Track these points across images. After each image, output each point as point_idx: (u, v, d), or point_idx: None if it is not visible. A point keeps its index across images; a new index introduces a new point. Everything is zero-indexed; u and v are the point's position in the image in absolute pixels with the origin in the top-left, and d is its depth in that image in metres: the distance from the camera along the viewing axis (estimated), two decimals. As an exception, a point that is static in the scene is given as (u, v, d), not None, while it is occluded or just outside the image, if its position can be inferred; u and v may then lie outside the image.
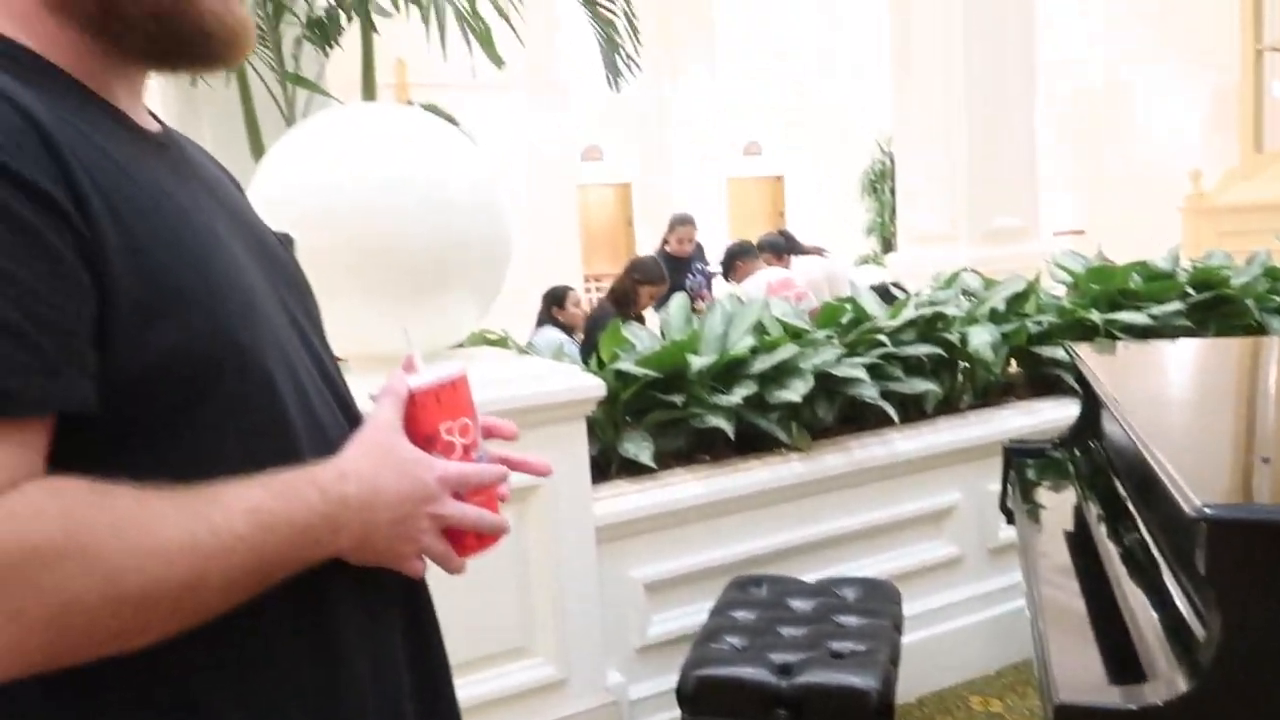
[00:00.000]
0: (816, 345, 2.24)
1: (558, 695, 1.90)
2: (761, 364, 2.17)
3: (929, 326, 2.42)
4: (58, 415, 0.59)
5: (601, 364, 2.18)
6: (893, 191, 11.74)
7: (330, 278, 1.30)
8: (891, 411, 2.25)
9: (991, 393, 2.60)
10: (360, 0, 2.48)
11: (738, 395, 2.10)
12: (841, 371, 2.18)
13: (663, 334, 2.37)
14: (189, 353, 0.63)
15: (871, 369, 2.26)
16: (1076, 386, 2.05)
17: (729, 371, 2.19)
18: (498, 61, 2.49)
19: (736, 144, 12.10)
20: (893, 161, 11.83)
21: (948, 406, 2.50)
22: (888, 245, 11.72)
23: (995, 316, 2.61)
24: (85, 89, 0.68)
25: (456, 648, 0.84)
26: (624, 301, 4.30)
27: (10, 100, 0.59)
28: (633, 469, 2.12)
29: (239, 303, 0.68)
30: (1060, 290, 3.04)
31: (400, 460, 0.71)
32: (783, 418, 2.20)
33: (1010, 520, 1.86)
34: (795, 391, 2.08)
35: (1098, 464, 1.72)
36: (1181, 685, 0.95)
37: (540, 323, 4.71)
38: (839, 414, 2.32)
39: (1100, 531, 1.43)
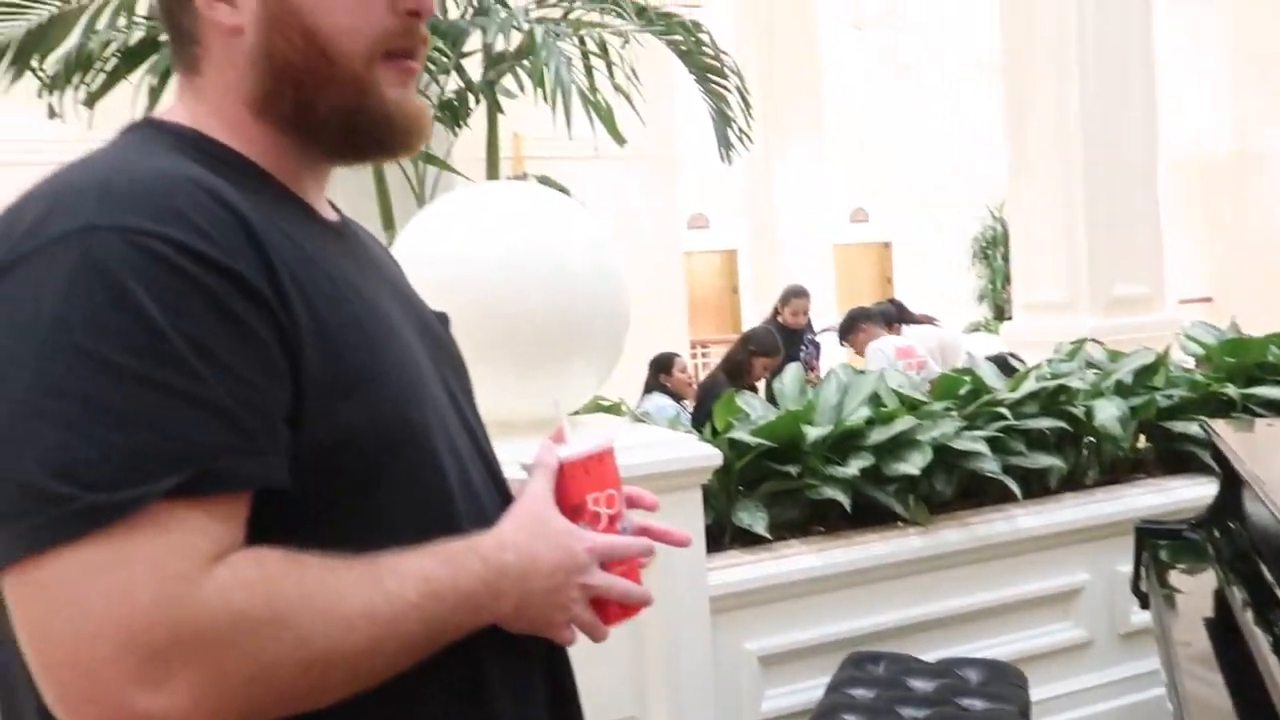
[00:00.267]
0: (934, 417, 2.21)
1: (670, 767, 1.88)
2: (878, 435, 2.15)
3: (1052, 399, 2.36)
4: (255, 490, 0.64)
5: (715, 433, 2.19)
6: (1005, 258, 11.52)
7: (460, 346, 1.36)
8: (1014, 487, 2.19)
9: (1119, 469, 2.50)
10: (488, 84, 2.62)
11: (854, 467, 2.08)
12: (961, 444, 2.14)
13: (775, 403, 2.37)
14: (368, 431, 0.68)
15: (992, 442, 2.21)
16: (1213, 464, 1.96)
17: (844, 442, 2.17)
18: (620, 140, 2.58)
19: (843, 210, 12.10)
20: (1005, 227, 11.63)
21: (1073, 483, 2.41)
22: (1000, 313, 11.44)
23: (1122, 389, 2.52)
24: (281, 185, 0.75)
25: (570, 716, 0.86)
26: (737, 373, 4.31)
27: (224, 202, 0.65)
28: (746, 539, 2.11)
29: (410, 382, 0.73)
30: (1190, 362, 2.92)
31: (554, 531, 0.74)
32: (900, 490, 2.17)
33: (1144, 604, 1.78)
34: (913, 464, 2.05)
35: (1240, 547, 1.63)
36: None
37: (648, 389, 4.75)
38: (958, 488, 2.27)
39: (1246, 619, 1.36)
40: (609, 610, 0.76)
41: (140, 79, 2.43)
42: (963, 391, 2.37)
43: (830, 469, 2.12)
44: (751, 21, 8.71)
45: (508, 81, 2.84)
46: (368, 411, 0.68)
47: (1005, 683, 1.87)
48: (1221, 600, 1.53)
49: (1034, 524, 2.28)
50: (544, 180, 3.57)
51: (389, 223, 2.61)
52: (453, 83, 2.85)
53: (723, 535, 2.12)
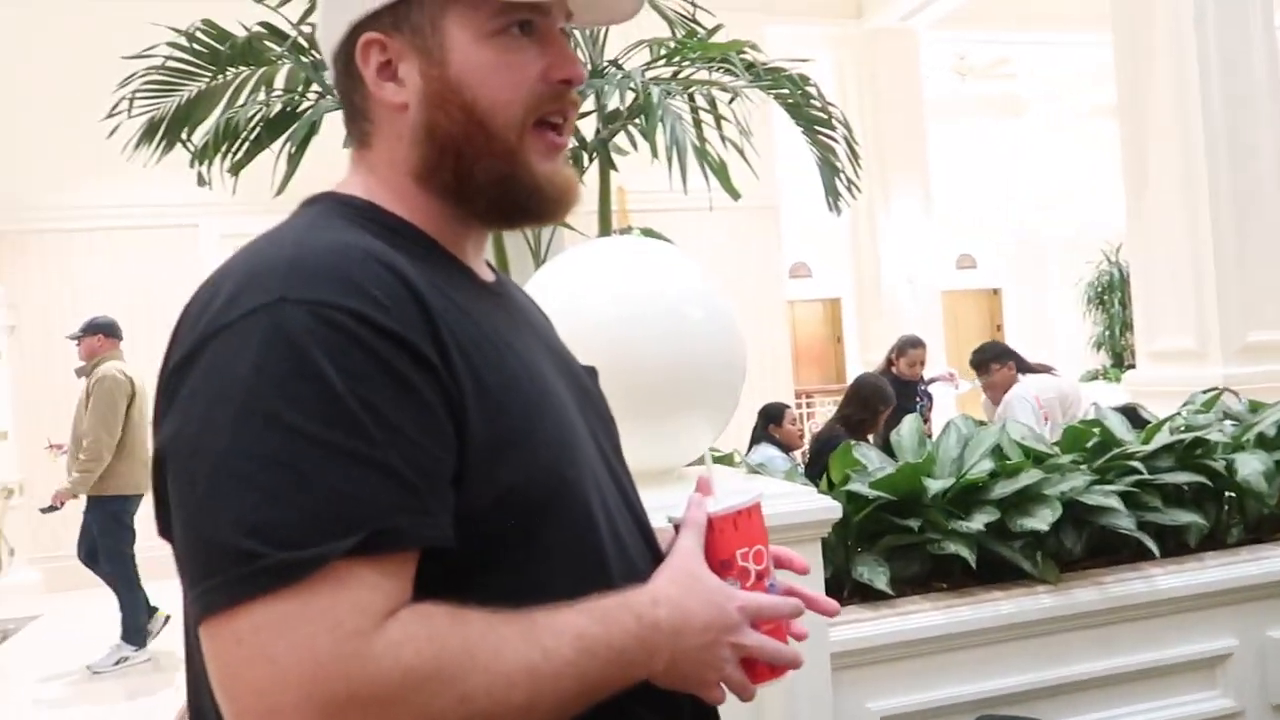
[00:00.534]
0: (1062, 471, 2.13)
1: (791, 830, 1.83)
2: (1002, 489, 2.08)
3: (1188, 453, 2.25)
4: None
5: (832, 485, 2.17)
6: (1123, 303, 11.10)
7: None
8: (1152, 544, 2.09)
9: (1265, 527, 2.36)
10: (601, 142, 2.69)
11: (978, 522, 2.02)
12: (1092, 499, 2.05)
13: (892, 455, 2.33)
14: (525, 489, 0.70)
15: (1125, 497, 2.12)
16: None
17: (966, 496, 2.11)
18: (735, 194, 2.61)
19: (950, 257, 11.89)
20: (1122, 271, 11.22)
21: (1214, 541, 2.29)
22: (1120, 360, 11.00)
23: (1265, 442, 2.39)
24: (445, 251, 0.79)
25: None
26: (858, 427, 4.23)
27: (398, 274, 0.69)
28: (866, 594, 2.06)
29: (564, 439, 0.75)
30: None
31: (706, 589, 0.74)
32: (1026, 546, 2.09)
33: (1304, 673, 1.67)
34: (1043, 520, 1.98)
35: None
36: None
37: (756, 439, 4.72)
38: (1087, 545, 2.17)
39: None
40: (757, 670, 0.75)
41: (280, 147, 2.59)
42: (1091, 444, 2.28)
43: (953, 523, 2.06)
44: (853, 69, 8.71)
45: (619, 138, 2.92)
46: (525, 470, 0.70)
47: (1149, 753, 1.77)
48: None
49: (1173, 584, 2.16)
50: (647, 232, 3.62)
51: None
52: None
53: (841, 590, 2.08)
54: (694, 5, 3.17)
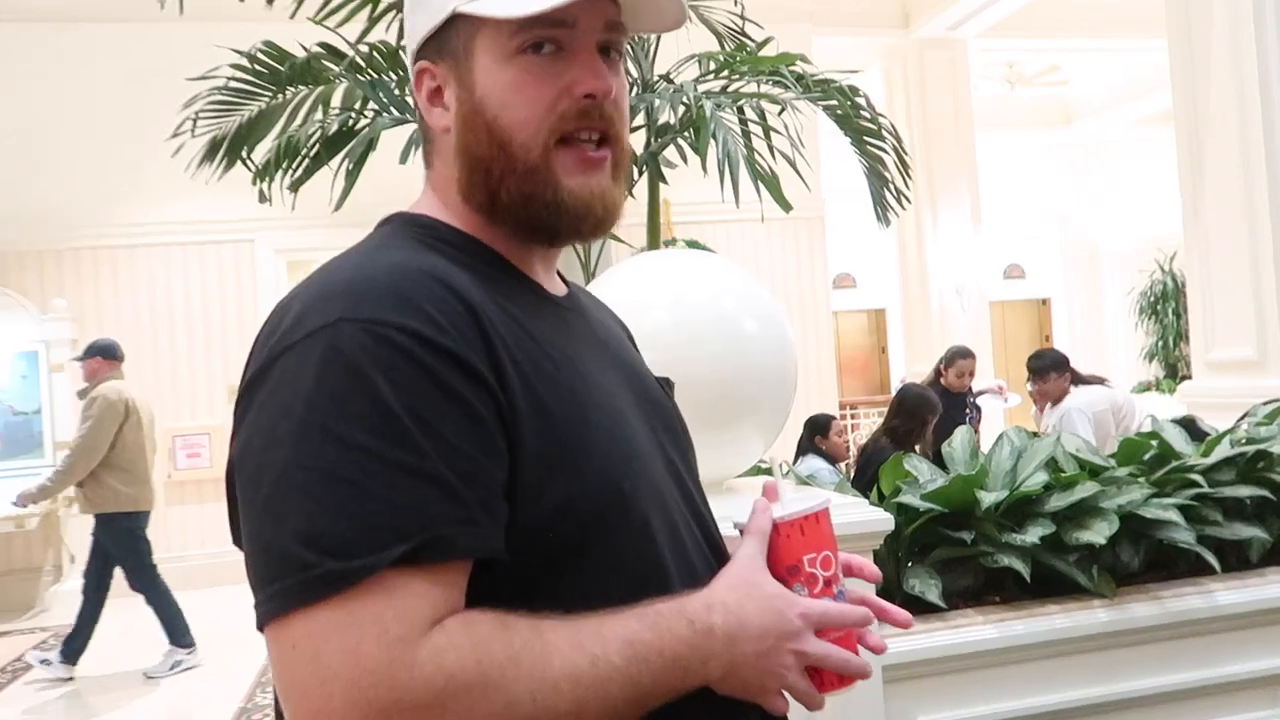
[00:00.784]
0: (1119, 484, 2.10)
1: (843, 843, 1.83)
2: (1057, 502, 2.06)
3: (1250, 466, 2.21)
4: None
5: (882, 497, 2.16)
6: (1176, 313, 10.87)
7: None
8: (1212, 559, 2.06)
9: (1329, 542, 2.30)
10: (651, 155, 2.72)
11: (1033, 534, 2.00)
12: (1150, 513, 2.03)
13: (942, 466, 2.32)
14: (579, 502, 0.72)
15: (1184, 511, 2.08)
16: None
17: (1020, 509, 2.10)
18: (786, 207, 2.62)
19: (998, 267, 11.75)
20: (1175, 281, 11.00)
21: (1276, 556, 2.24)
22: (1174, 371, 10.77)
23: (1329, 456, 2.34)
24: (509, 264, 0.82)
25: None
26: (905, 438, 4.20)
27: (454, 291, 0.72)
28: (918, 607, 2.05)
29: (623, 453, 0.76)
30: None
31: (765, 595, 0.75)
32: (1081, 560, 2.07)
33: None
34: (1099, 533, 1.96)
35: None
36: None
37: (802, 451, 4.71)
38: (1144, 559, 2.14)
39: None
40: (825, 679, 0.75)
41: (339, 164, 2.66)
42: (1148, 456, 2.25)
43: (1006, 536, 2.04)
44: (901, 79, 8.67)
45: (667, 150, 2.94)
46: (579, 484, 0.71)
47: (1210, 772, 1.74)
48: None
49: (1234, 600, 2.12)
50: (693, 243, 3.64)
51: (557, 289, 2.72)
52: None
53: (892, 602, 2.07)
54: (742, 19, 3.20)
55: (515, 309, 0.76)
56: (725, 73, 2.83)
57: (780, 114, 2.81)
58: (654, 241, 2.94)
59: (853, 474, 4.45)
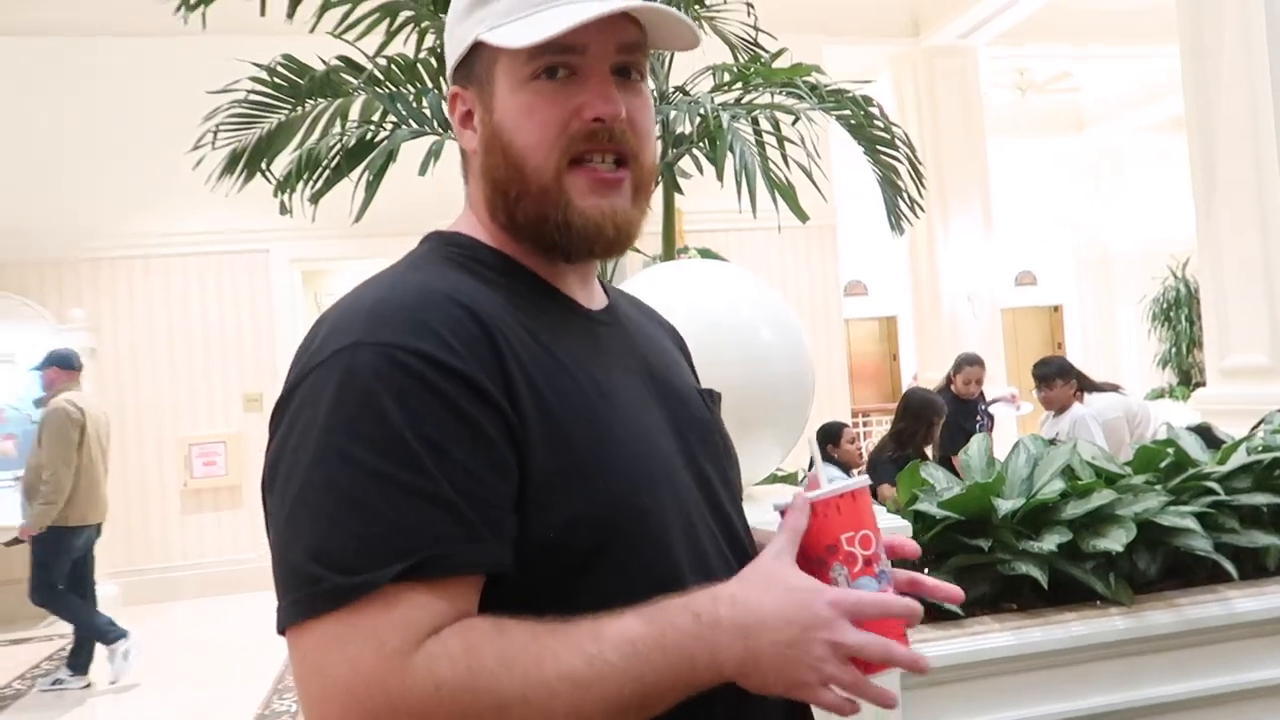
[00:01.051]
0: (1135, 491, 2.11)
1: None
2: (1074, 509, 2.07)
3: (1267, 473, 2.21)
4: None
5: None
6: (1190, 319, 10.83)
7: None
8: (1230, 567, 2.06)
9: (1347, 550, 2.30)
10: (667, 165, 2.74)
11: (1050, 542, 2.01)
12: (1167, 520, 2.03)
13: (952, 470, 2.33)
14: (591, 516, 0.73)
15: (1201, 518, 2.09)
16: None
17: (1037, 516, 2.11)
18: (803, 217, 2.64)
19: (1009, 274, 11.73)
20: (1189, 287, 10.95)
21: (1293, 564, 2.24)
22: (1187, 378, 10.72)
23: (1347, 463, 2.33)
24: (538, 279, 0.84)
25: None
26: (911, 440, 4.21)
27: (472, 313, 0.74)
28: (935, 614, 2.06)
29: (642, 468, 0.77)
30: None
31: (785, 586, 0.73)
32: (1099, 568, 2.08)
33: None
34: (1116, 541, 1.97)
35: None
36: None
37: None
38: (1161, 567, 2.15)
39: None
40: (874, 671, 0.73)
41: (358, 176, 2.69)
42: (1164, 464, 2.26)
43: (1023, 544, 2.05)
44: (912, 87, 8.68)
45: (683, 162, 2.97)
46: (591, 499, 0.73)
47: (1229, 779, 1.74)
48: None
49: (1251, 608, 2.12)
50: (705, 252, 3.66)
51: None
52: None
53: (910, 610, 2.08)
54: (756, 29, 3.22)
55: (540, 327, 0.78)
56: (739, 84, 2.85)
57: (794, 124, 2.83)
58: (669, 251, 2.96)
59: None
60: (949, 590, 0.84)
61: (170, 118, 5.18)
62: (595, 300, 0.88)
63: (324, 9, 2.81)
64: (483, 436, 0.70)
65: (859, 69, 5.22)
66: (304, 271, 7.39)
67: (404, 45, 2.92)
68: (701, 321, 1.90)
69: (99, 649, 5.02)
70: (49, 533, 4.84)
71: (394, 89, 2.81)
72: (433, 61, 2.88)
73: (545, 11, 0.79)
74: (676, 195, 3.00)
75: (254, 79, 2.89)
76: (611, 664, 0.67)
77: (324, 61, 2.86)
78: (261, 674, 4.97)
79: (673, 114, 2.61)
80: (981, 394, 5.36)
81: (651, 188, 0.87)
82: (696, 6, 2.99)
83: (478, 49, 0.83)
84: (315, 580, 0.66)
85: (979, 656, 2.00)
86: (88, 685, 5.01)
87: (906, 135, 3.11)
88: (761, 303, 1.96)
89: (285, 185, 2.75)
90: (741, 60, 3.15)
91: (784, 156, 2.91)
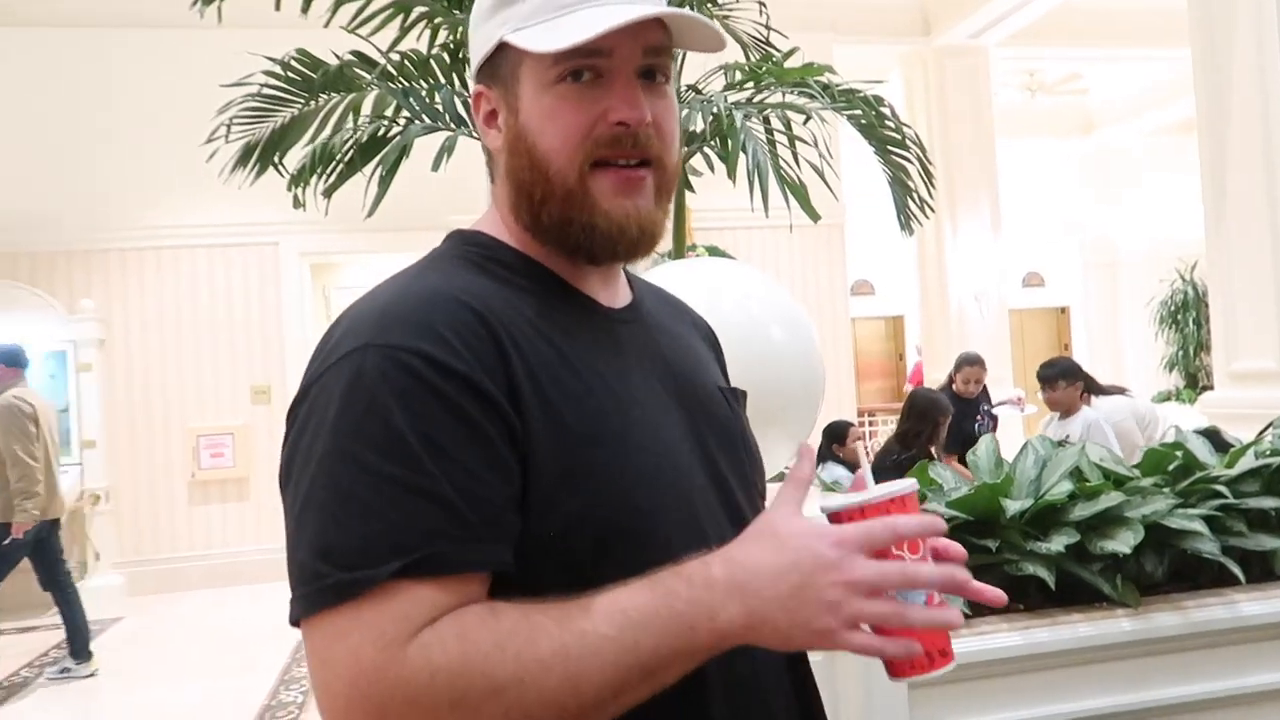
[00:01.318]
0: (1143, 494, 2.12)
1: (868, 846, 1.85)
2: (1081, 511, 2.08)
3: (1275, 477, 2.22)
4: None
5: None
6: (1197, 322, 10.81)
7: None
8: (1237, 570, 2.06)
9: (1354, 554, 2.30)
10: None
11: (1058, 544, 2.02)
12: (1175, 523, 2.04)
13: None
14: (593, 515, 0.75)
15: (1209, 521, 2.09)
16: None
17: (1044, 517, 2.11)
18: (815, 217, 2.64)
19: (1017, 275, 11.72)
20: (1198, 290, 10.93)
21: (1300, 567, 2.24)
22: (1194, 381, 10.71)
23: (1355, 468, 2.34)
24: (557, 279, 0.85)
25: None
26: (916, 440, 4.22)
27: (480, 315, 0.76)
28: (942, 614, 2.07)
29: (648, 469, 0.78)
30: None
31: (782, 536, 0.71)
32: (1106, 569, 2.08)
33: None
34: (1124, 543, 1.97)
35: None
36: None
37: (821, 459, 4.73)
38: (1168, 569, 2.15)
39: None
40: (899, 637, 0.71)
41: (371, 171, 2.70)
42: (1173, 467, 2.26)
43: (1031, 544, 2.06)
44: (922, 87, 8.67)
45: (694, 160, 2.97)
46: (593, 499, 0.75)
47: (1234, 781, 1.75)
48: None
49: (1258, 611, 2.13)
50: (713, 250, 3.67)
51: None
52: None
53: (917, 609, 2.09)
54: (767, 28, 3.22)
55: (553, 328, 0.79)
56: (751, 83, 2.86)
57: (805, 123, 2.84)
58: (679, 247, 2.96)
59: (871, 480, 4.46)
60: (992, 593, 0.81)
61: (183, 110, 5.20)
62: (618, 299, 0.89)
63: (338, 4, 2.82)
64: (483, 437, 0.72)
65: (869, 68, 5.22)
66: (313, 265, 7.41)
67: (417, 41, 2.93)
68: (712, 318, 1.90)
69: (101, 642, 5.04)
70: (3, 529, 4.83)
71: (407, 84, 2.82)
72: (445, 57, 2.89)
73: (573, 14, 0.79)
74: (688, 195, 3.00)
75: (268, 73, 2.90)
76: (605, 635, 0.68)
77: (337, 56, 2.88)
78: (267, 665, 5.00)
79: (685, 112, 2.61)
80: (986, 395, 5.35)
81: (673, 190, 0.88)
82: (709, 5, 2.99)
83: (502, 49, 0.83)
84: (321, 576, 0.69)
85: (986, 656, 2.01)
86: (93, 674, 5.04)
87: (917, 136, 3.11)
88: (770, 301, 1.97)
89: (298, 179, 2.76)
90: (753, 59, 3.15)
91: (795, 156, 2.91)
